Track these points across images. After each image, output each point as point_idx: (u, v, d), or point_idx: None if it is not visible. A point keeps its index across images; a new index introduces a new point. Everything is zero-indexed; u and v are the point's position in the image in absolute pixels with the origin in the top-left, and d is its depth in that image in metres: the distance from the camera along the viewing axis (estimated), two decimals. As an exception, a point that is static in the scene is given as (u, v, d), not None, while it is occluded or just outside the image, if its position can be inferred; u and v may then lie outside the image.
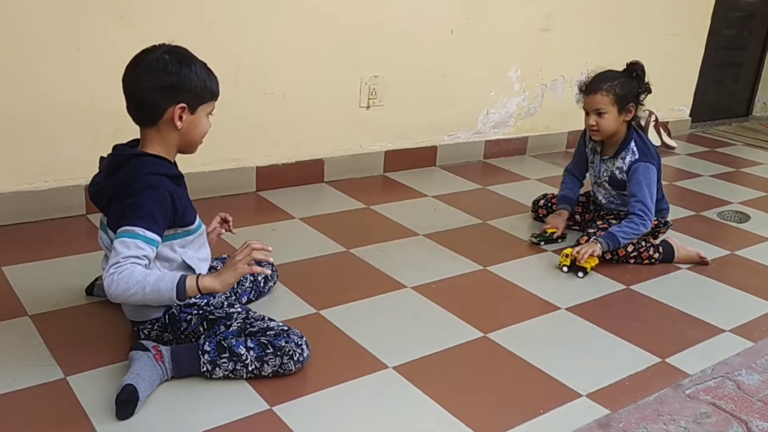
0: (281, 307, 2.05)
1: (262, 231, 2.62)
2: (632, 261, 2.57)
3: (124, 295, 1.56)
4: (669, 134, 4.40)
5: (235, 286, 1.99)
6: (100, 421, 1.53)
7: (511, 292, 2.32)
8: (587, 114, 2.58)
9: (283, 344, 1.70)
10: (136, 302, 1.60)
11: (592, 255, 2.43)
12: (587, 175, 2.83)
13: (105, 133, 2.53)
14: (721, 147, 4.55)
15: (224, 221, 2.09)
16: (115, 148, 1.75)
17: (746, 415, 1.75)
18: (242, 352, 1.67)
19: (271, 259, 1.72)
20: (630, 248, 2.54)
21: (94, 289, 2.04)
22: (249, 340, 1.70)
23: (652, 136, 4.20)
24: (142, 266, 1.58)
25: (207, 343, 1.69)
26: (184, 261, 1.74)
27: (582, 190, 2.89)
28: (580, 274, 2.44)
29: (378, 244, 2.57)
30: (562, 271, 2.47)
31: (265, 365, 1.69)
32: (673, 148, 4.33)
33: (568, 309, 2.22)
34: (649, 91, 2.58)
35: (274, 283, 2.16)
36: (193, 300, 1.76)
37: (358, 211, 2.92)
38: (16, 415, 1.54)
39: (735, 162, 4.20)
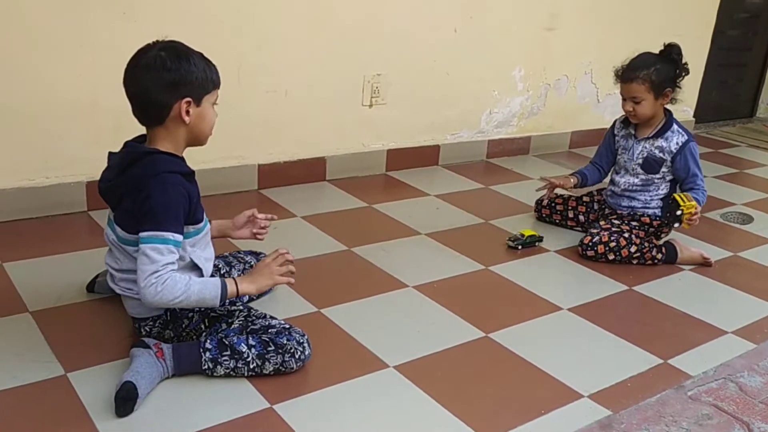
0: (282, 305, 2.05)
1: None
2: (635, 262, 2.56)
3: (168, 304, 1.62)
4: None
5: None
6: (100, 418, 1.53)
7: (513, 292, 2.31)
8: (624, 99, 2.60)
9: (285, 342, 1.69)
10: (175, 306, 1.66)
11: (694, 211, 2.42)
12: (610, 168, 2.83)
13: (106, 130, 2.53)
14: (725, 148, 4.54)
15: (253, 219, 2.07)
16: (126, 144, 1.75)
17: (748, 417, 1.75)
18: (244, 350, 1.67)
19: (292, 268, 1.83)
20: (633, 249, 2.54)
21: (95, 286, 2.04)
22: (250, 338, 1.69)
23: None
24: (177, 271, 1.63)
25: (208, 341, 1.69)
26: (192, 260, 1.73)
27: (586, 190, 2.89)
28: (676, 224, 2.46)
29: (380, 243, 2.57)
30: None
31: (267, 363, 1.69)
32: None
33: (570, 309, 2.22)
34: (687, 73, 2.59)
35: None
36: None
37: (360, 210, 2.92)
38: (16, 412, 1.54)
39: (739, 163, 4.19)
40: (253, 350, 1.68)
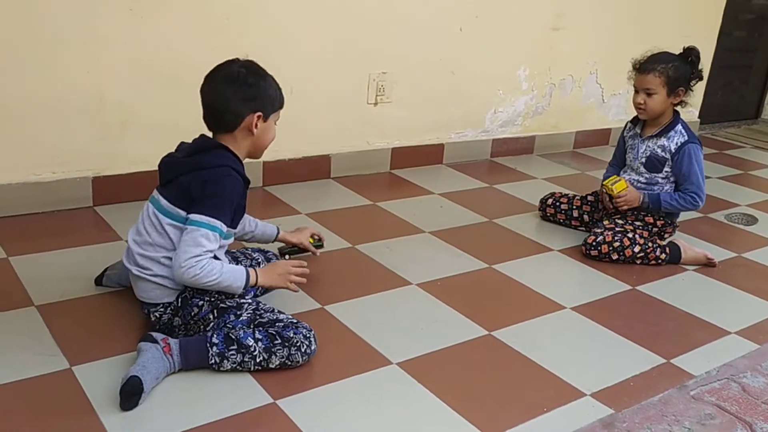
0: (287, 301, 2.06)
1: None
2: (639, 261, 2.56)
3: (198, 283, 1.71)
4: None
5: None
6: (105, 412, 1.54)
7: (516, 290, 2.32)
8: (636, 92, 2.61)
9: (292, 335, 1.71)
10: (203, 287, 1.74)
11: (623, 200, 2.58)
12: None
13: (113, 125, 2.54)
14: (730, 149, 4.54)
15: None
16: (202, 136, 1.86)
17: (751, 417, 1.75)
18: (251, 344, 1.68)
19: (305, 280, 1.97)
20: (637, 249, 2.54)
21: (104, 279, 2.05)
22: (257, 331, 1.71)
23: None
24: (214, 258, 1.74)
25: (215, 336, 1.70)
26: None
27: (590, 190, 2.89)
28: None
29: (383, 241, 2.57)
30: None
31: (273, 356, 1.70)
32: None
33: (573, 308, 2.22)
34: (701, 78, 2.62)
35: None
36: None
37: (364, 208, 2.92)
38: (21, 405, 1.55)
39: (743, 164, 4.19)
40: (260, 344, 1.69)
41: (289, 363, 1.72)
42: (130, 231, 1.84)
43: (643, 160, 2.67)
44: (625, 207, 2.61)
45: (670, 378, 1.89)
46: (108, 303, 1.98)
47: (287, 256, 2.29)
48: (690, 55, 2.58)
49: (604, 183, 2.65)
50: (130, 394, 1.55)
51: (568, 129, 4.05)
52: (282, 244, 2.31)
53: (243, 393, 1.65)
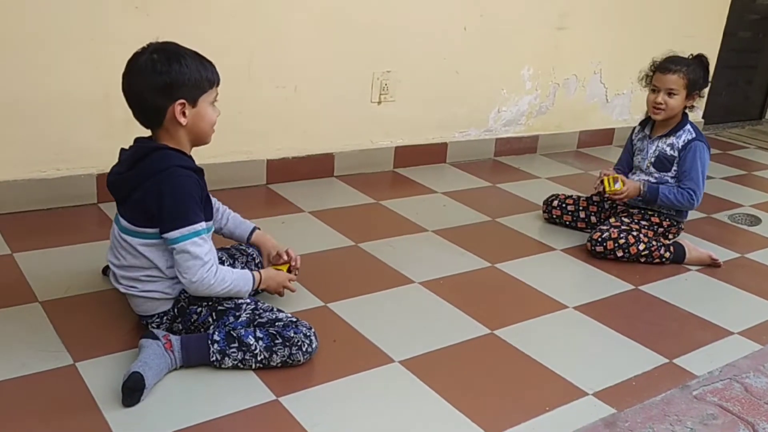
0: (289, 299, 2.06)
1: (271, 224, 2.62)
2: (643, 260, 2.56)
3: (214, 294, 1.72)
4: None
5: None
6: (108, 408, 1.55)
7: (519, 289, 2.32)
8: (656, 91, 2.61)
9: (292, 335, 1.71)
10: (215, 296, 1.74)
11: (624, 195, 2.57)
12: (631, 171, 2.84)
13: (118, 123, 2.54)
14: (734, 150, 4.53)
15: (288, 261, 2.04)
16: (137, 140, 1.77)
17: (753, 417, 1.75)
18: (251, 342, 1.68)
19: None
20: (641, 247, 2.54)
21: (109, 270, 2.05)
22: (258, 331, 1.71)
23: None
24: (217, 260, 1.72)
25: (216, 333, 1.70)
26: None
27: (594, 190, 2.88)
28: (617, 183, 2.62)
29: (386, 239, 2.58)
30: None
31: (274, 355, 1.70)
32: None
33: (575, 308, 2.22)
34: (708, 84, 2.65)
35: None
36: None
37: (368, 206, 2.92)
38: (25, 400, 1.56)
39: (747, 165, 4.18)
40: (260, 342, 1.69)
41: (291, 362, 1.72)
42: (108, 252, 1.82)
43: (653, 159, 2.68)
44: (624, 198, 2.62)
45: (672, 378, 1.89)
46: (112, 299, 1.98)
47: None
48: (702, 60, 2.63)
49: (605, 178, 2.64)
50: (132, 390, 1.55)
51: (571, 129, 4.05)
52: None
53: (245, 390, 1.65)
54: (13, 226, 2.38)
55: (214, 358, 1.68)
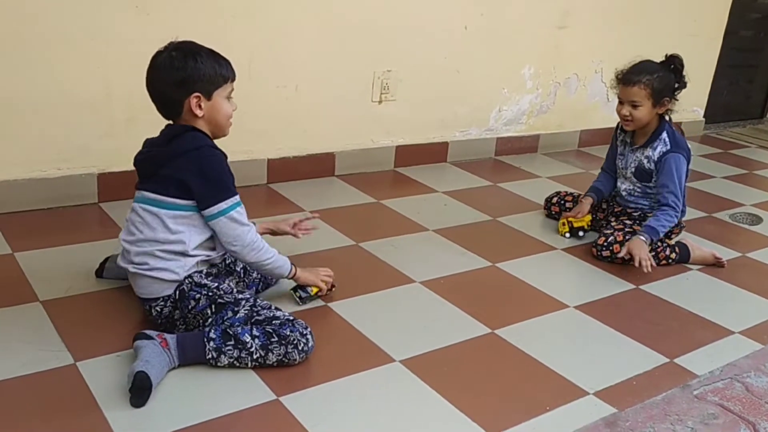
0: (291, 298, 2.06)
1: (272, 223, 2.62)
2: (648, 262, 2.55)
3: (260, 264, 1.86)
4: (682, 135, 4.37)
5: (242, 275, 2.01)
6: (109, 407, 1.55)
7: (520, 289, 2.32)
8: (621, 103, 2.58)
9: (288, 333, 1.71)
10: (261, 266, 1.87)
11: (642, 254, 2.41)
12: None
13: (119, 122, 2.55)
14: (735, 149, 4.52)
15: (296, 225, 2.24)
16: (168, 125, 1.86)
17: (754, 417, 1.75)
18: (247, 340, 1.69)
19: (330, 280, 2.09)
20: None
21: (104, 271, 2.06)
22: (254, 329, 1.71)
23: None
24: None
25: (212, 331, 1.70)
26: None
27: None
28: (581, 233, 2.68)
29: (387, 239, 2.58)
30: (565, 237, 2.65)
31: (270, 354, 1.70)
32: None
33: (576, 307, 2.22)
34: (684, 86, 2.58)
35: None
36: (205, 281, 1.80)
37: (369, 206, 2.92)
38: (25, 400, 1.56)
39: (748, 164, 4.18)
40: (256, 341, 1.69)
41: (287, 361, 1.72)
42: (120, 234, 1.86)
43: (633, 170, 2.66)
44: (644, 260, 2.42)
45: (673, 377, 1.89)
46: (113, 299, 1.98)
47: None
48: (672, 63, 2.54)
49: (569, 219, 2.70)
50: (140, 389, 1.55)
51: (572, 128, 4.05)
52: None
53: (246, 390, 1.65)
54: (14, 225, 2.38)
55: (209, 356, 1.68)
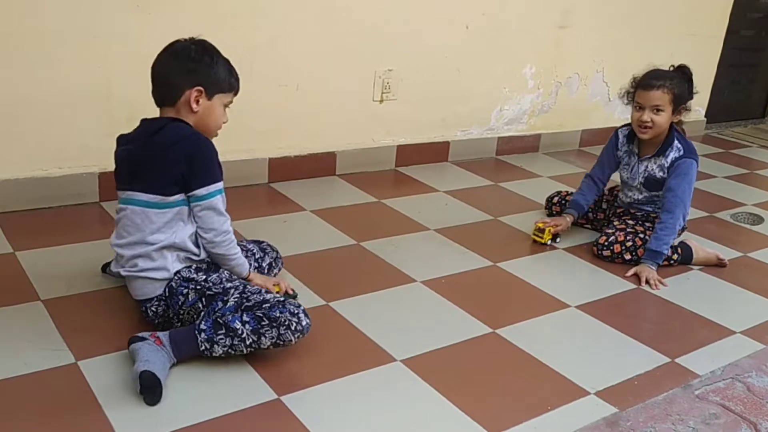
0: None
1: (273, 222, 2.63)
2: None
3: (227, 259, 1.85)
4: (684, 134, 4.37)
5: None
6: (110, 406, 1.55)
7: (521, 288, 2.32)
8: (641, 109, 2.50)
9: (278, 315, 1.69)
10: (227, 261, 1.86)
11: (653, 277, 2.42)
12: (610, 178, 2.79)
13: (120, 121, 2.54)
14: (736, 149, 4.52)
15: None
16: (144, 120, 1.84)
17: (755, 417, 1.74)
18: (238, 327, 1.68)
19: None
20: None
21: (108, 268, 2.06)
22: (245, 315, 1.70)
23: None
24: None
25: (203, 322, 1.70)
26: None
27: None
28: (558, 239, 2.67)
29: (388, 238, 2.57)
30: (548, 244, 2.64)
31: (263, 338, 1.69)
32: None
33: (577, 307, 2.22)
34: (692, 97, 2.55)
35: (279, 270, 2.18)
36: (192, 275, 1.80)
37: (370, 205, 2.92)
38: (27, 399, 1.56)
39: (749, 164, 4.17)
40: (247, 326, 1.68)
41: (281, 342, 1.70)
42: (111, 239, 1.85)
43: (642, 180, 2.62)
44: (651, 279, 2.42)
45: (674, 377, 1.89)
46: (114, 298, 1.98)
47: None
48: (685, 71, 2.53)
49: (540, 226, 2.65)
50: (150, 388, 1.55)
51: (573, 127, 4.05)
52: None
53: (247, 389, 1.65)
54: (15, 224, 2.38)
55: (203, 347, 1.68)
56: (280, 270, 2.18)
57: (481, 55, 3.48)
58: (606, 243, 2.53)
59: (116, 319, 1.89)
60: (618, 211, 2.77)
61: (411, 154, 3.42)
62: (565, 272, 2.48)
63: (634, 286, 2.40)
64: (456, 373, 1.81)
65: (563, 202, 2.87)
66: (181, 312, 1.79)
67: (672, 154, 2.55)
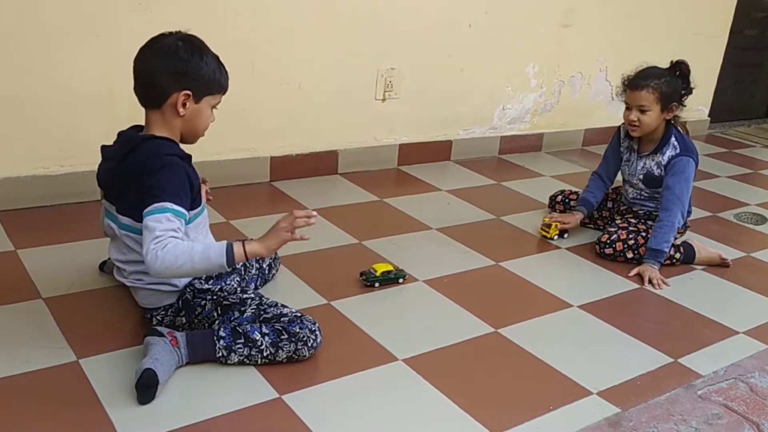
0: (293, 297, 2.05)
1: (274, 221, 2.61)
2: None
3: (172, 268, 1.55)
4: (687, 134, 4.35)
5: (242, 272, 1.99)
6: (111, 404, 1.55)
7: (524, 288, 2.31)
8: (629, 109, 2.54)
9: (298, 330, 1.70)
10: (182, 274, 1.61)
11: (657, 278, 2.41)
12: (617, 175, 2.79)
13: (121, 119, 2.52)
14: (740, 148, 4.51)
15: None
16: (121, 134, 1.77)
17: (758, 417, 1.74)
18: (258, 338, 1.68)
19: (312, 221, 1.72)
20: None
21: (106, 266, 2.07)
22: (264, 326, 1.70)
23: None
24: (179, 239, 1.57)
25: (222, 329, 1.70)
26: None
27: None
28: (566, 235, 2.68)
29: (390, 237, 2.57)
30: (554, 240, 2.65)
31: (280, 351, 1.70)
32: None
33: (580, 307, 2.21)
34: (691, 92, 2.56)
35: (277, 270, 2.18)
36: (206, 286, 1.78)
37: (372, 204, 2.92)
38: (28, 397, 1.56)
39: (753, 163, 4.16)
40: (266, 338, 1.69)
41: (296, 357, 1.72)
42: (110, 248, 1.82)
43: (641, 177, 2.63)
44: (654, 279, 2.42)
45: (677, 377, 1.88)
46: (115, 296, 1.98)
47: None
48: (679, 68, 2.53)
49: (547, 221, 2.67)
50: (147, 386, 1.55)
51: (576, 126, 4.04)
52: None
53: (249, 388, 1.65)
54: (17, 222, 2.38)
55: (220, 354, 1.68)
56: (278, 270, 2.19)
57: (483, 53, 3.47)
58: (608, 241, 2.53)
59: (118, 317, 1.88)
60: (621, 209, 2.77)
61: (413, 152, 3.42)
62: (568, 272, 2.47)
63: (637, 286, 2.39)
64: (458, 373, 1.80)
65: (566, 201, 2.87)
66: (195, 321, 1.79)
67: (669, 152, 2.56)
